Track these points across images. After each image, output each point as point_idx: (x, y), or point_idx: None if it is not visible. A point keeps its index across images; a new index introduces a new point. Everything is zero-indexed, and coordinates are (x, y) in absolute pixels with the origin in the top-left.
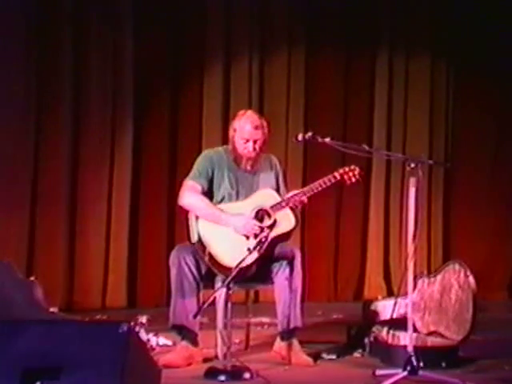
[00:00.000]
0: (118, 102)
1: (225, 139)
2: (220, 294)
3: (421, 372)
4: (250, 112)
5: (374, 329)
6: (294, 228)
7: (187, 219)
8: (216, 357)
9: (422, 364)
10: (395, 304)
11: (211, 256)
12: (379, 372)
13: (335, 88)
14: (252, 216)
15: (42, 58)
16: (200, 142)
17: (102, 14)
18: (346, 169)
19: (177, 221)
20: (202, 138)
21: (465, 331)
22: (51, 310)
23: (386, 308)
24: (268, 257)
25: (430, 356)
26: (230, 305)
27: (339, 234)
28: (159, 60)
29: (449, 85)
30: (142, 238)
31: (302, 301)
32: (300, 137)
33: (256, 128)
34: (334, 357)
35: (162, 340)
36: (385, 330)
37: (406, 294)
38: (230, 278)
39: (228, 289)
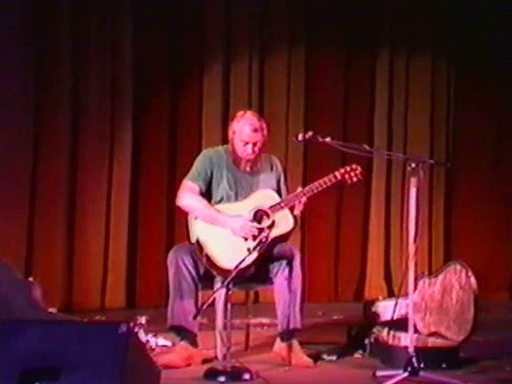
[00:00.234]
0: (117, 102)
1: (224, 139)
2: (219, 294)
3: (421, 373)
4: (249, 113)
5: (374, 329)
6: (293, 229)
7: (187, 219)
8: (215, 358)
9: (422, 365)
10: (396, 305)
11: (208, 258)
12: (380, 373)
13: (335, 88)
14: (250, 218)
15: (40, 57)
16: (200, 142)
17: (101, 14)
18: (348, 168)
19: (176, 221)
20: (202, 138)
21: (466, 332)
22: (50, 310)
23: (386, 309)
24: (267, 257)
25: (431, 357)
26: (229, 305)
27: (340, 234)
28: (159, 60)
29: (449, 85)
30: (141, 239)
31: (302, 301)
32: (300, 136)
33: (255, 131)
34: (334, 358)
35: (162, 341)
36: (385, 330)
37: (406, 294)
38: (229, 279)
39: (227, 289)
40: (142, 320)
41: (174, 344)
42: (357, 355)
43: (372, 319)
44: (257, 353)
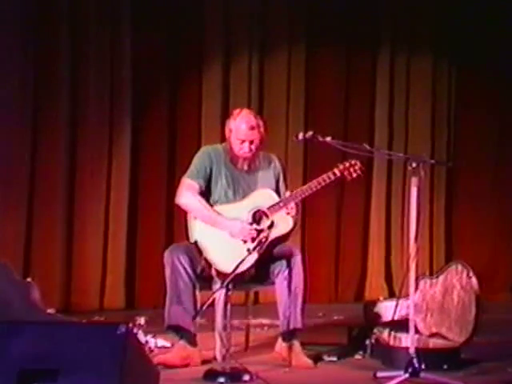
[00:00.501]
0: (116, 101)
1: (224, 139)
2: (219, 295)
3: (422, 374)
4: (245, 111)
5: (375, 330)
6: (292, 230)
7: (186, 218)
8: (215, 358)
9: (423, 366)
10: (397, 305)
11: (207, 261)
12: (380, 374)
13: (336, 87)
14: (249, 220)
15: (39, 56)
16: (199, 141)
17: (99, 13)
18: (347, 164)
19: (175, 221)
20: (201, 138)
21: (467, 333)
22: (48, 311)
23: (387, 309)
24: (267, 258)
25: (432, 358)
26: (229, 306)
27: (340, 234)
28: (158, 59)
29: (450, 84)
30: (140, 239)
31: (304, 301)
32: (300, 136)
33: (252, 128)
34: (334, 358)
35: (161, 341)
36: (386, 331)
37: (407, 295)
38: (228, 279)
39: (227, 290)
40: (141, 321)
41: (173, 345)
42: (357, 356)
43: (373, 320)
44: (257, 354)
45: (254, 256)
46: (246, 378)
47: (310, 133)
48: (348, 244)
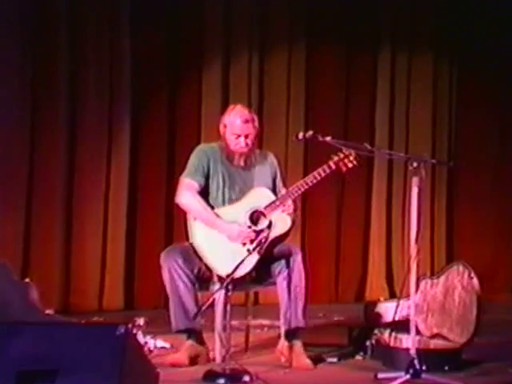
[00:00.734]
0: (115, 101)
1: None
2: (219, 295)
3: (423, 375)
4: (239, 106)
5: (375, 331)
6: (291, 229)
7: (185, 218)
8: (214, 359)
9: (424, 367)
10: (397, 306)
11: (207, 267)
12: (381, 375)
13: (336, 86)
14: (246, 222)
15: (38, 56)
16: (199, 141)
17: (98, 12)
18: (341, 155)
19: (175, 221)
20: (201, 138)
21: (468, 334)
22: (47, 311)
23: (388, 310)
24: (267, 258)
25: (433, 359)
26: (229, 307)
27: (340, 234)
28: (157, 58)
29: (451, 83)
30: (139, 239)
31: (306, 300)
32: (300, 135)
33: (246, 122)
34: (335, 360)
35: (160, 342)
36: (387, 332)
37: (408, 295)
38: (228, 280)
39: (227, 290)
40: (141, 321)
41: (172, 346)
42: (358, 357)
43: (373, 321)
44: (256, 354)
45: (255, 257)
46: (246, 378)
47: (310, 132)
48: (348, 244)
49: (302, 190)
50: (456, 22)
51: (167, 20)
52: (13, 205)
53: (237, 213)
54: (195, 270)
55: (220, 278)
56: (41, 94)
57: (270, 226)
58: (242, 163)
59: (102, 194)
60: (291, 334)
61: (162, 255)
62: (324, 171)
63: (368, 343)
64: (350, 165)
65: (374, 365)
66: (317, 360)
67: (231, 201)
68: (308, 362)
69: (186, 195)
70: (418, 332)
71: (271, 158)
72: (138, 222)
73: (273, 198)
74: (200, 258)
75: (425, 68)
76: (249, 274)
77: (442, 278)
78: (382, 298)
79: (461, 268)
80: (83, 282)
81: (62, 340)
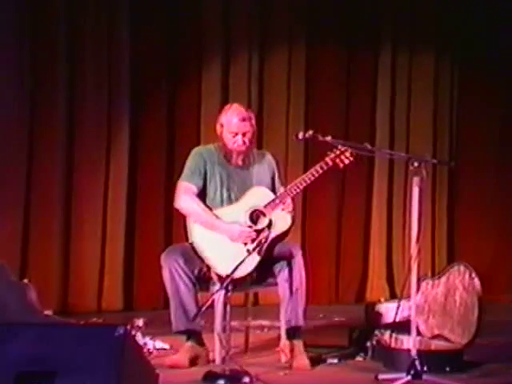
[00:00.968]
0: (114, 100)
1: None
2: (218, 296)
3: (424, 376)
4: (235, 105)
5: (376, 332)
6: (291, 227)
7: (185, 219)
8: (214, 360)
9: (425, 368)
10: (398, 307)
11: (209, 268)
12: (382, 376)
13: (336, 85)
14: (247, 221)
15: (36, 56)
16: (198, 141)
17: (97, 11)
18: (337, 152)
19: (174, 221)
20: (201, 137)
21: (470, 334)
22: (45, 312)
23: (388, 311)
24: (267, 258)
25: (434, 360)
26: (228, 307)
27: (341, 234)
28: (157, 57)
29: (453, 82)
30: (138, 239)
31: (307, 299)
32: (300, 135)
33: (243, 120)
34: (335, 360)
35: (159, 343)
36: (388, 333)
37: (409, 296)
38: (228, 280)
39: (226, 291)
40: (140, 322)
41: (171, 347)
42: (358, 358)
43: (374, 321)
44: (256, 355)
45: (256, 258)
46: (246, 380)
47: (311, 132)
48: (349, 244)
49: (301, 187)
50: (457, 22)
51: (167, 19)
52: (11, 205)
53: (237, 213)
54: (196, 271)
55: (220, 279)
56: (39, 93)
57: (270, 224)
58: (239, 162)
59: (101, 194)
60: (292, 333)
61: (163, 255)
62: (321, 168)
63: (369, 344)
64: (346, 161)
65: (375, 366)
66: (317, 361)
67: (229, 201)
68: (306, 362)
69: (185, 199)
70: (418, 333)
71: (269, 158)
72: (137, 223)
73: (271, 196)
74: (200, 259)
75: (426, 67)
76: (249, 274)
77: (443, 279)
78: (382, 299)
79: (462, 268)
80: (82, 283)
81: (60, 341)
